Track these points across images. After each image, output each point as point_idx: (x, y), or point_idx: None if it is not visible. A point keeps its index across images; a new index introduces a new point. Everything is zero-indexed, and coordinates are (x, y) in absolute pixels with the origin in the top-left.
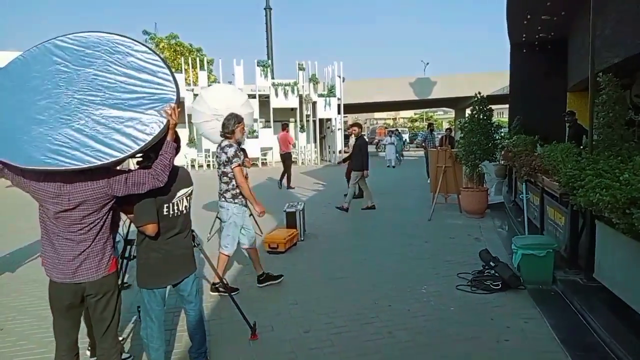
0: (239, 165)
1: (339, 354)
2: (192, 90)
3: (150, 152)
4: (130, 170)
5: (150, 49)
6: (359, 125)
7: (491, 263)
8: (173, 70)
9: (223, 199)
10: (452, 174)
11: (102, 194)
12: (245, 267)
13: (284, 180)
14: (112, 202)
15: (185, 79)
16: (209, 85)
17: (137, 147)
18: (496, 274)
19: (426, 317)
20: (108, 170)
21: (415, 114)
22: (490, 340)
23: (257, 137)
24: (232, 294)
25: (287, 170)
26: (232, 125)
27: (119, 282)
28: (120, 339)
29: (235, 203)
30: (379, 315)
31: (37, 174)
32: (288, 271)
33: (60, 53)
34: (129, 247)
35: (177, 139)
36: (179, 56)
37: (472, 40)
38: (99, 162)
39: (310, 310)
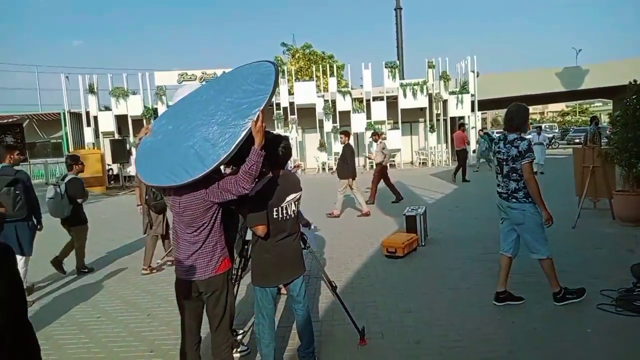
0: (531, 161)
1: None
2: (323, 96)
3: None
4: (222, 178)
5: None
6: (347, 133)
7: None
8: (306, 78)
9: (514, 200)
10: (601, 175)
11: (201, 199)
12: (362, 270)
13: (456, 174)
14: (214, 206)
15: (317, 86)
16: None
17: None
18: None
19: (556, 338)
20: (207, 179)
21: (567, 106)
22: None
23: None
24: (517, 302)
25: (462, 165)
26: (523, 117)
27: (239, 278)
28: (241, 332)
29: (530, 202)
30: (499, 331)
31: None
32: (405, 278)
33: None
34: (246, 247)
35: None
36: (312, 64)
37: (632, 21)
38: (192, 179)
39: (424, 320)
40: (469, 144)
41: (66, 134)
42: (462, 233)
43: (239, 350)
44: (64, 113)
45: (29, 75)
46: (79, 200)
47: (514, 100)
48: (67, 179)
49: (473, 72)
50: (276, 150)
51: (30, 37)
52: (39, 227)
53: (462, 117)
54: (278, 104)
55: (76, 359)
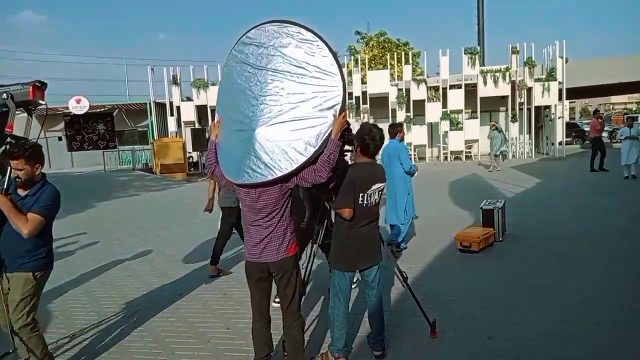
0: None
1: None
2: (397, 85)
3: None
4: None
5: (317, 34)
6: None
7: None
8: (379, 67)
9: None
10: None
11: (277, 187)
12: (434, 263)
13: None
14: (288, 192)
15: (391, 74)
16: (414, 79)
17: (302, 162)
18: None
19: None
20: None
21: None
22: None
23: (461, 129)
24: None
25: (596, 153)
26: None
27: (308, 264)
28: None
29: None
30: (583, 333)
31: None
32: (479, 273)
33: (246, 53)
34: (319, 232)
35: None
36: (386, 52)
37: None
38: (274, 177)
39: (499, 317)
40: (600, 133)
41: (152, 122)
42: (543, 229)
43: (303, 330)
44: (149, 103)
45: (118, 67)
46: None
47: (607, 88)
48: None
49: (561, 57)
50: (366, 140)
51: (120, 32)
52: None
53: (548, 107)
54: (350, 93)
55: (160, 331)
